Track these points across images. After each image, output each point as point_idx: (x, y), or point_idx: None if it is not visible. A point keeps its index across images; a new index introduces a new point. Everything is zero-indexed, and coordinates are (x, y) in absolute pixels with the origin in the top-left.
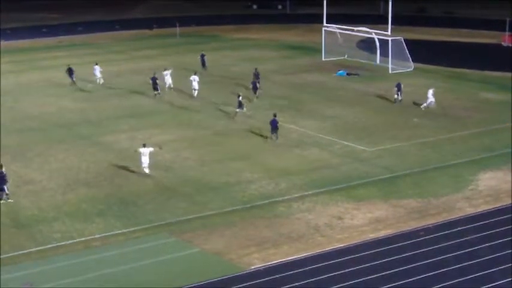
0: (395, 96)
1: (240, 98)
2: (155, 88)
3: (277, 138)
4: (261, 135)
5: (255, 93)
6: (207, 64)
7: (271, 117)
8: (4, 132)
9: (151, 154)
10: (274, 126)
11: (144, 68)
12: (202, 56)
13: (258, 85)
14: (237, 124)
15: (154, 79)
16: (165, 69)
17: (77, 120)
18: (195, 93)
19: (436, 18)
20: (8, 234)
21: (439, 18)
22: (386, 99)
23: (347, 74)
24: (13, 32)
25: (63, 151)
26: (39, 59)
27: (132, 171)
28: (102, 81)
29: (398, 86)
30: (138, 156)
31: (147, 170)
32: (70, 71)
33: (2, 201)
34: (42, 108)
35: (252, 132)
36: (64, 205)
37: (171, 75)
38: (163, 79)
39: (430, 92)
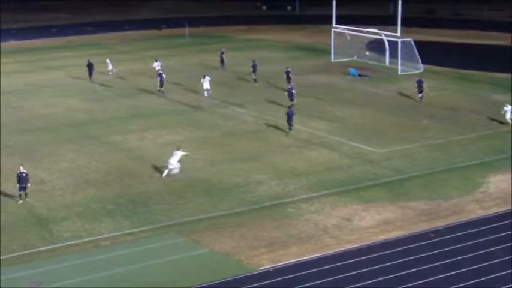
0: (418, 94)
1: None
2: (161, 85)
3: (290, 130)
4: (271, 136)
5: (291, 100)
6: (225, 62)
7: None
8: (13, 132)
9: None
10: (289, 117)
11: (153, 68)
12: (222, 53)
13: (293, 91)
14: (246, 125)
15: (161, 75)
16: (204, 76)
17: (86, 120)
18: (206, 93)
19: (445, 20)
20: (17, 233)
21: (448, 20)
22: (396, 100)
23: (358, 74)
24: (22, 32)
25: (72, 151)
26: (48, 59)
27: (141, 171)
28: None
29: (419, 83)
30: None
31: (167, 171)
32: (90, 67)
33: (20, 202)
34: (50, 108)
35: (262, 133)
36: (73, 205)
37: (209, 81)
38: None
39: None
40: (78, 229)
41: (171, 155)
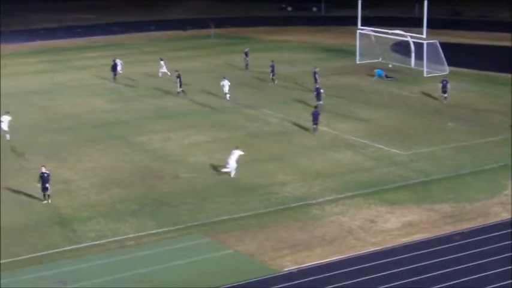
0: (442, 94)
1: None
2: (180, 85)
3: (315, 130)
4: (295, 137)
5: (318, 99)
6: (248, 62)
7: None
8: (39, 132)
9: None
10: (314, 117)
11: (178, 68)
12: (246, 53)
13: (321, 91)
14: (271, 126)
15: (179, 76)
16: (223, 78)
17: (111, 121)
18: (227, 96)
19: (471, 22)
20: (42, 232)
21: (474, 22)
22: (421, 102)
23: (385, 75)
24: (48, 32)
25: (97, 151)
26: (74, 59)
27: (166, 172)
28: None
29: (444, 83)
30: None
31: (225, 170)
32: (114, 67)
33: (44, 202)
34: (75, 108)
35: (286, 134)
36: (98, 205)
37: (228, 85)
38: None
39: None
40: (102, 229)
41: (229, 155)
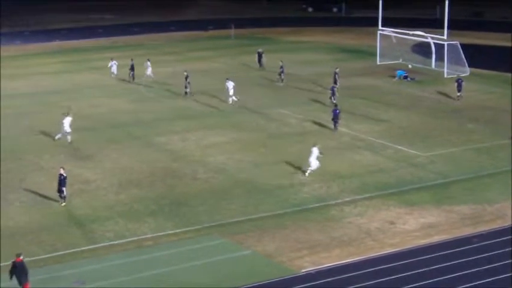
0: (457, 93)
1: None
2: (186, 86)
3: (336, 129)
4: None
5: (332, 98)
6: (264, 63)
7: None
8: (58, 132)
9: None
10: (335, 115)
11: (198, 69)
12: (260, 54)
13: (335, 89)
14: (290, 127)
15: (187, 77)
16: (227, 80)
17: (130, 121)
18: (231, 100)
19: (493, 23)
20: (61, 232)
21: (495, 23)
22: (441, 103)
23: (405, 76)
24: (69, 32)
25: (116, 151)
26: (93, 59)
27: (185, 172)
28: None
29: (459, 82)
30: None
31: (309, 170)
32: (132, 68)
33: (63, 204)
34: (95, 109)
35: (305, 135)
36: (117, 205)
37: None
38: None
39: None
40: (121, 229)
41: (310, 154)
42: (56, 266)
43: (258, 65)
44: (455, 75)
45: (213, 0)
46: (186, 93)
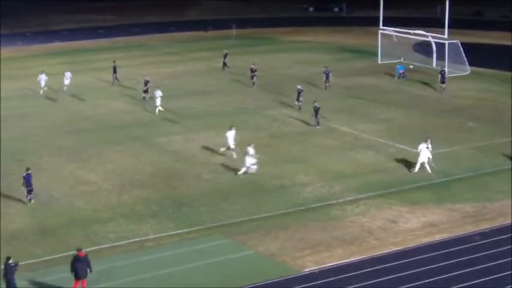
0: (441, 85)
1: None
2: (145, 91)
3: (317, 124)
4: (316, 137)
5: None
6: (228, 64)
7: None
8: (59, 133)
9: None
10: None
11: (199, 69)
12: (225, 55)
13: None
14: (292, 127)
15: (146, 82)
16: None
17: (131, 122)
18: (157, 110)
19: (493, 22)
20: (63, 234)
21: (496, 22)
22: (442, 102)
23: (403, 75)
24: (69, 33)
25: (117, 152)
26: (94, 60)
27: (187, 173)
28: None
29: (442, 74)
30: None
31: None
32: (114, 70)
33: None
34: (96, 110)
35: (306, 134)
36: (118, 206)
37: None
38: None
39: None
40: (123, 230)
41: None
42: (59, 267)
43: (222, 66)
44: (456, 74)
45: (213, 0)
46: (144, 98)
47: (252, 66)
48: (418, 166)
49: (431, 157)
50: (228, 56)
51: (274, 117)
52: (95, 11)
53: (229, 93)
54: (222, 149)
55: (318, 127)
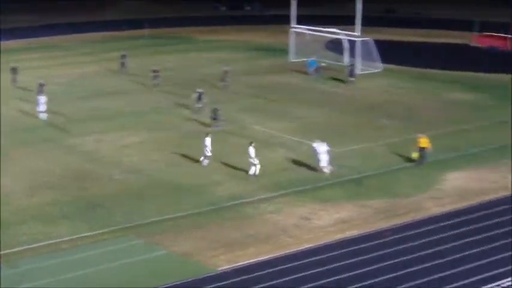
0: (350, 78)
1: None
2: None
3: (218, 126)
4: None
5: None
6: (126, 66)
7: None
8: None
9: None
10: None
11: (110, 70)
12: (123, 56)
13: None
14: (206, 126)
15: (41, 85)
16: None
17: (41, 124)
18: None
19: (405, 19)
20: None
21: (407, 19)
22: (355, 100)
23: (316, 69)
24: None
25: (27, 154)
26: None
27: (100, 174)
28: None
29: (351, 68)
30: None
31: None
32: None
33: None
34: (6, 111)
35: (220, 133)
36: (29, 208)
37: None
38: None
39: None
40: (35, 232)
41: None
42: None
43: (120, 67)
44: (368, 72)
45: (125, 1)
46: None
47: (154, 68)
48: (325, 164)
49: (327, 158)
50: (126, 57)
51: (188, 116)
52: (12, 12)
53: (145, 93)
54: (202, 158)
55: (218, 127)
